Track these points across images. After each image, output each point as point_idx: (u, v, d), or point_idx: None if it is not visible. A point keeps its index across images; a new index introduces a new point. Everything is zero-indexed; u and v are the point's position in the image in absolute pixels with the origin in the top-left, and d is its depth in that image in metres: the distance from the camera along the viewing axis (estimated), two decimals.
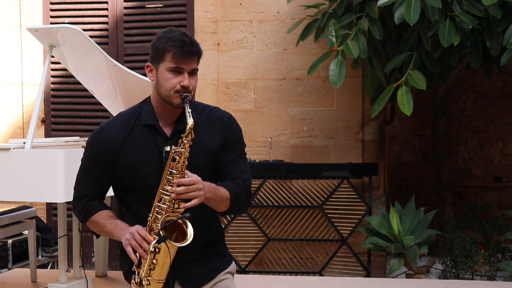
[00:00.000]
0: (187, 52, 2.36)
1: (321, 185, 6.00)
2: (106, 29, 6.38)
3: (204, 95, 6.22)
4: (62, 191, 3.68)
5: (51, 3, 6.49)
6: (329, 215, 5.95)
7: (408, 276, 5.60)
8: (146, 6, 6.34)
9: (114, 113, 4.77)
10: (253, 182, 6.20)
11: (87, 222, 2.50)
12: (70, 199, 3.78)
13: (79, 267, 4.47)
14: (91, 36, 4.44)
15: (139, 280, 2.33)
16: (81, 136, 5.16)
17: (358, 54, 5.00)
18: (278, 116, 6.16)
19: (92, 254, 5.95)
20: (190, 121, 2.30)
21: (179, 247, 2.28)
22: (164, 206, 2.30)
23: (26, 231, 5.15)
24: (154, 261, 2.28)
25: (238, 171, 2.49)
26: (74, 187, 2.54)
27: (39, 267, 5.23)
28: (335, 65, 5.00)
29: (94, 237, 4.97)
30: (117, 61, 4.32)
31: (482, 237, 5.86)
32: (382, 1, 4.82)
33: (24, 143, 3.85)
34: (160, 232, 2.25)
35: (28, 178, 3.71)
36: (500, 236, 5.99)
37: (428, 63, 5.17)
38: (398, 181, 7.21)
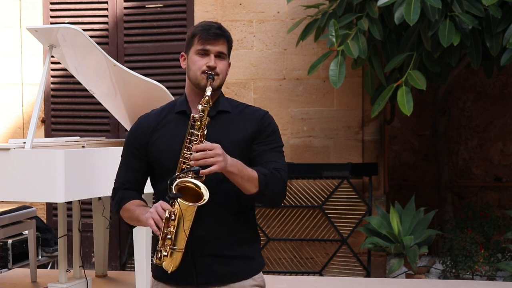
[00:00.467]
0: (213, 34, 2.43)
1: (321, 185, 6.00)
2: (106, 29, 6.38)
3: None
4: (62, 191, 3.67)
5: (51, 3, 6.49)
6: (329, 215, 5.95)
7: (408, 276, 5.60)
8: (146, 6, 6.33)
9: (114, 113, 4.77)
10: None
11: (120, 211, 2.49)
12: (70, 199, 3.82)
13: (79, 267, 4.47)
14: (91, 36, 4.43)
15: (159, 255, 2.28)
16: (81, 136, 5.16)
17: (358, 54, 5.00)
18: (278, 116, 6.16)
19: (92, 254, 5.95)
20: (209, 90, 2.33)
21: (196, 213, 2.22)
22: (183, 175, 2.25)
23: (26, 231, 5.15)
24: (170, 228, 2.23)
25: (271, 161, 2.42)
26: (114, 180, 2.57)
27: (39, 267, 5.23)
28: (335, 65, 5.00)
29: (94, 237, 5.00)
30: (117, 61, 4.31)
31: (482, 237, 5.86)
32: (382, 1, 4.82)
33: (24, 143, 3.84)
34: (172, 189, 2.20)
35: (28, 178, 3.71)
36: (500, 236, 5.99)
37: (428, 63, 5.17)
38: (398, 181, 7.21)
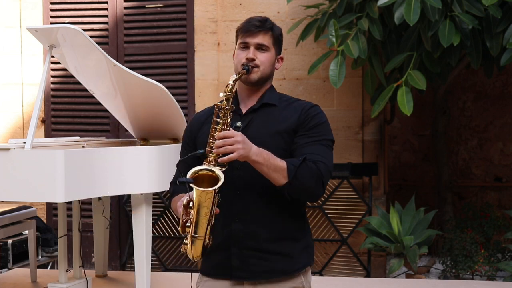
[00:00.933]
0: (251, 25, 2.43)
1: None
2: (106, 29, 6.38)
3: (204, 95, 6.22)
4: (62, 191, 3.67)
5: (51, 3, 6.49)
6: (329, 215, 5.95)
7: (408, 276, 5.60)
8: (146, 6, 6.34)
9: (114, 113, 4.77)
10: None
11: (171, 205, 2.52)
12: (70, 199, 3.82)
13: (79, 267, 4.47)
14: (91, 36, 4.43)
15: (183, 244, 2.28)
16: (81, 136, 5.16)
17: (358, 54, 5.00)
18: None
19: (92, 254, 5.95)
20: (232, 77, 2.34)
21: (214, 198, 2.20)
22: (209, 158, 2.26)
23: (26, 231, 5.15)
24: (190, 215, 2.22)
25: (309, 153, 2.32)
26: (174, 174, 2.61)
27: (39, 267, 5.23)
28: (335, 65, 4.99)
29: (94, 237, 4.99)
30: (117, 61, 4.31)
31: (482, 237, 5.86)
32: (382, 1, 4.82)
33: (24, 143, 3.84)
34: (183, 177, 2.20)
35: (28, 178, 3.71)
36: (500, 236, 5.99)
37: (428, 63, 5.17)
38: (398, 181, 7.21)
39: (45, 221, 6.42)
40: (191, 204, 2.22)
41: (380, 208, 5.70)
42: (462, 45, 5.01)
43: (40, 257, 5.61)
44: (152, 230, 4.12)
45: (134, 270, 4.18)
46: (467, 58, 5.33)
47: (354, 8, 5.28)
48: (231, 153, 2.20)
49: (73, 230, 4.52)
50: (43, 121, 6.50)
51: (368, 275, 5.84)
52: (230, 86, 2.32)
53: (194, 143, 2.48)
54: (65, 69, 5.58)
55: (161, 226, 6.21)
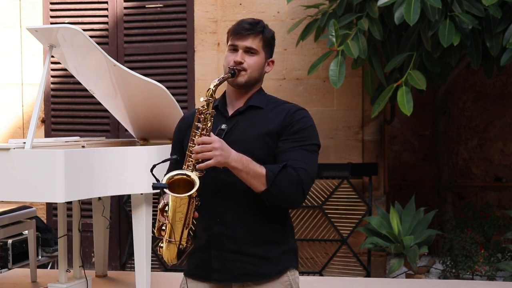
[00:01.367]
0: (241, 28, 2.40)
1: (321, 185, 6.00)
2: (106, 29, 6.38)
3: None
4: (62, 191, 3.67)
5: (51, 3, 6.49)
6: (329, 215, 5.95)
7: (408, 276, 5.60)
8: (146, 6, 6.34)
9: (114, 113, 4.77)
10: None
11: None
12: (70, 199, 3.82)
13: (79, 267, 4.47)
14: (91, 36, 4.43)
15: (159, 247, 2.31)
16: (81, 136, 5.16)
17: (358, 54, 5.00)
18: None
19: (92, 254, 5.95)
20: (213, 82, 2.32)
21: (195, 208, 2.22)
22: (188, 168, 2.25)
23: (26, 231, 5.15)
24: (165, 219, 2.24)
25: (292, 159, 2.30)
26: None
27: (39, 267, 5.23)
28: (335, 65, 4.99)
29: (94, 237, 4.99)
30: (117, 61, 4.31)
31: (482, 237, 5.86)
32: (382, 1, 4.82)
33: (24, 143, 3.84)
34: (158, 182, 2.19)
35: (28, 178, 3.70)
36: (500, 236, 5.99)
37: (428, 63, 5.17)
38: (398, 181, 7.21)
39: (45, 221, 6.42)
40: (166, 208, 2.23)
41: (380, 208, 5.70)
42: (462, 45, 5.00)
43: (40, 257, 5.61)
44: (152, 230, 4.12)
45: (134, 270, 4.18)
46: (467, 58, 5.33)
47: (354, 8, 5.28)
48: (210, 159, 2.20)
49: (73, 230, 4.52)
50: (43, 121, 6.50)
51: (368, 275, 5.84)
52: (211, 91, 2.31)
53: (181, 145, 2.47)
54: (65, 69, 5.58)
55: None
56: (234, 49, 2.41)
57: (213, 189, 2.33)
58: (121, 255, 6.32)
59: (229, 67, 2.39)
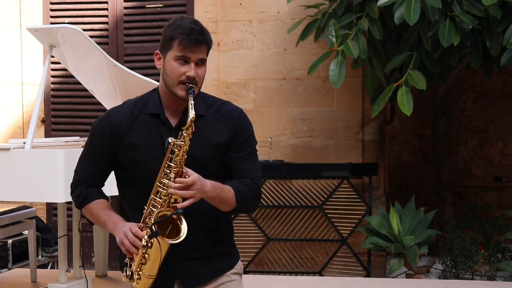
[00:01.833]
0: (194, 40, 2.29)
1: (321, 185, 6.00)
2: (106, 29, 6.38)
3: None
4: (62, 191, 3.67)
5: (51, 3, 6.49)
6: (329, 215, 5.95)
7: (408, 276, 5.60)
8: (146, 6, 6.34)
9: None
10: None
11: (83, 209, 2.48)
12: (70, 199, 3.81)
13: (79, 267, 4.47)
14: (91, 36, 4.43)
15: (130, 273, 2.32)
16: (81, 136, 5.16)
17: (358, 54, 5.00)
18: (278, 116, 6.16)
19: (92, 254, 5.95)
20: (191, 114, 2.23)
21: (171, 244, 2.24)
22: (160, 200, 2.26)
23: (26, 231, 5.14)
24: (146, 255, 2.25)
25: (247, 169, 2.41)
26: (75, 170, 2.50)
27: (39, 267, 5.22)
28: (335, 65, 4.99)
29: (94, 237, 5.00)
30: (117, 61, 4.32)
31: (482, 237, 5.86)
32: (382, 1, 4.82)
33: (24, 143, 3.85)
34: (152, 227, 2.21)
35: (28, 178, 3.71)
36: (500, 236, 5.99)
37: (428, 63, 5.17)
38: (398, 181, 7.21)
39: (45, 221, 6.41)
40: (149, 245, 2.24)
41: (380, 208, 5.70)
42: (462, 45, 5.00)
43: (40, 257, 5.61)
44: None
45: None
46: (467, 58, 5.33)
47: (354, 8, 5.28)
48: (190, 197, 2.22)
49: (73, 230, 4.51)
50: (43, 121, 6.50)
51: (368, 275, 5.84)
52: (190, 123, 2.23)
53: (113, 148, 2.38)
54: (65, 69, 5.57)
55: None
56: (185, 61, 2.30)
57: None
58: (121, 255, 6.31)
59: (182, 82, 2.29)
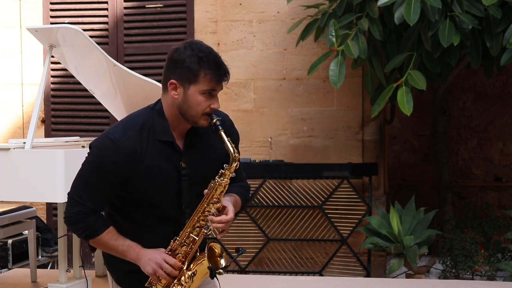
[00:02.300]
0: (223, 74, 2.28)
1: (321, 185, 6.00)
2: (106, 29, 6.38)
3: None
4: (62, 191, 3.67)
5: (51, 3, 6.49)
6: (329, 215, 5.95)
7: (408, 276, 5.60)
8: (146, 6, 6.33)
9: (114, 113, 4.77)
10: (253, 182, 6.21)
11: (91, 240, 2.38)
12: None
13: (79, 267, 4.47)
14: (91, 36, 4.43)
15: None
16: (81, 136, 5.16)
17: (358, 54, 5.00)
18: (278, 116, 6.16)
19: (92, 254, 5.94)
20: (232, 152, 2.31)
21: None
22: (197, 230, 2.35)
23: (26, 231, 5.15)
24: (185, 284, 2.34)
25: (241, 173, 2.53)
26: (74, 198, 2.34)
27: (39, 267, 5.23)
28: (335, 65, 4.99)
29: None
30: (117, 61, 4.31)
31: (482, 237, 5.86)
32: (382, 1, 4.82)
33: (24, 143, 3.85)
34: (216, 270, 2.30)
35: (28, 178, 3.71)
36: (500, 236, 5.99)
37: (428, 63, 5.17)
38: (398, 181, 7.21)
39: (45, 221, 6.41)
40: (191, 274, 2.33)
41: (380, 208, 5.70)
42: (462, 45, 5.00)
43: (40, 257, 5.61)
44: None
45: None
46: (467, 58, 5.33)
47: (354, 8, 5.28)
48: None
49: None
50: (43, 121, 6.50)
51: (368, 275, 5.84)
52: (234, 167, 2.33)
53: (125, 177, 2.31)
54: (65, 69, 5.58)
55: None
56: (210, 94, 2.30)
57: (174, 223, 2.42)
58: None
59: (208, 115, 2.31)
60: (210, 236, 2.38)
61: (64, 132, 6.28)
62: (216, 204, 2.30)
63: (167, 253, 2.33)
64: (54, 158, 3.67)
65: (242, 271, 5.95)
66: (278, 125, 6.16)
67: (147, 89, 4.27)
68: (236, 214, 2.43)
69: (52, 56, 4.27)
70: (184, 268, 2.32)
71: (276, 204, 6.04)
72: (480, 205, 6.68)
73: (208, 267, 2.29)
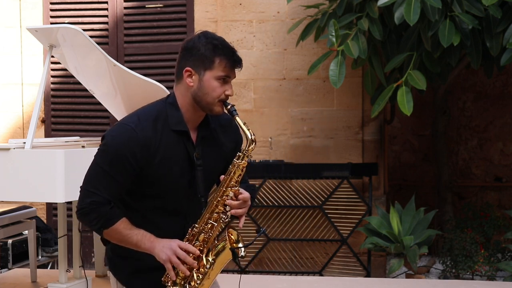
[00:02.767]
0: (238, 60, 2.38)
1: (321, 185, 6.00)
2: (106, 29, 6.38)
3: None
4: (62, 191, 3.67)
5: (51, 3, 6.49)
6: (329, 215, 5.95)
7: (408, 276, 5.60)
8: (146, 6, 6.34)
9: (114, 113, 4.77)
10: (253, 182, 6.20)
11: (105, 231, 2.37)
12: (70, 199, 3.81)
13: (79, 267, 4.47)
14: (91, 36, 4.43)
15: (181, 282, 2.35)
16: (81, 136, 5.16)
17: (358, 54, 5.00)
18: (278, 116, 6.16)
19: (92, 254, 5.95)
20: (249, 134, 2.35)
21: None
22: (216, 215, 2.34)
23: (26, 231, 5.15)
24: (205, 269, 2.33)
25: (245, 174, 2.51)
26: (87, 189, 2.34)
27: (39, 267, 5.23)
28: (335, 65, 4.99)
29: (94, 237, 4.99)
30: (117, 61, 4.31)
31: (482, 237, 5.86)
32: (382, 1, 4.82)
33: (24, 143, 3.84)
34: (240, 249, 2.32)
35: (28, 178, 3.70)
36: (500, 236, 5.99)
37: (428, 63, 5.17)
38: (398, 181, 7.21)
39: (45, 221, 6.41)
40: (213, 262, 2.33)
41: (380, 208, 5.70)
42: (462, 45, 5.00)
43: (40, 257, 5.60)
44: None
45: None
46: (467, 58, 5.33)
47: (354, 8, 5.28)
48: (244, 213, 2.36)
49: (73, 230, 4.52)
50: (43, 121, 6.50)
51: (368, 275, 5.84)
52: (252, 149, 2.36)
53: (142, 166, 2.32)
54: (65, 69, 5.58)
55: None
56: (225, 80, 2.37)
57: (183, 216, 2.44)
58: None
59: (222, 101, 2.36)
60: (228, 223, 2.38)
61: (64, 132, 6.29)
62: (234, 187, 2.31)
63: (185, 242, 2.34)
64: (54, 158, 3.67)
65: (242, 271, 5.95)
66: (278, 125, 6.17)
67: (147, 89, 4.27)
68: (249, 210, 2.44)
69: (52, 56, 4.27)
70: (203, 255, 2.31)
71: (276, 204, 6.04)
72: (480, 205, 6.68)
73: (230, 248, 2.29)
